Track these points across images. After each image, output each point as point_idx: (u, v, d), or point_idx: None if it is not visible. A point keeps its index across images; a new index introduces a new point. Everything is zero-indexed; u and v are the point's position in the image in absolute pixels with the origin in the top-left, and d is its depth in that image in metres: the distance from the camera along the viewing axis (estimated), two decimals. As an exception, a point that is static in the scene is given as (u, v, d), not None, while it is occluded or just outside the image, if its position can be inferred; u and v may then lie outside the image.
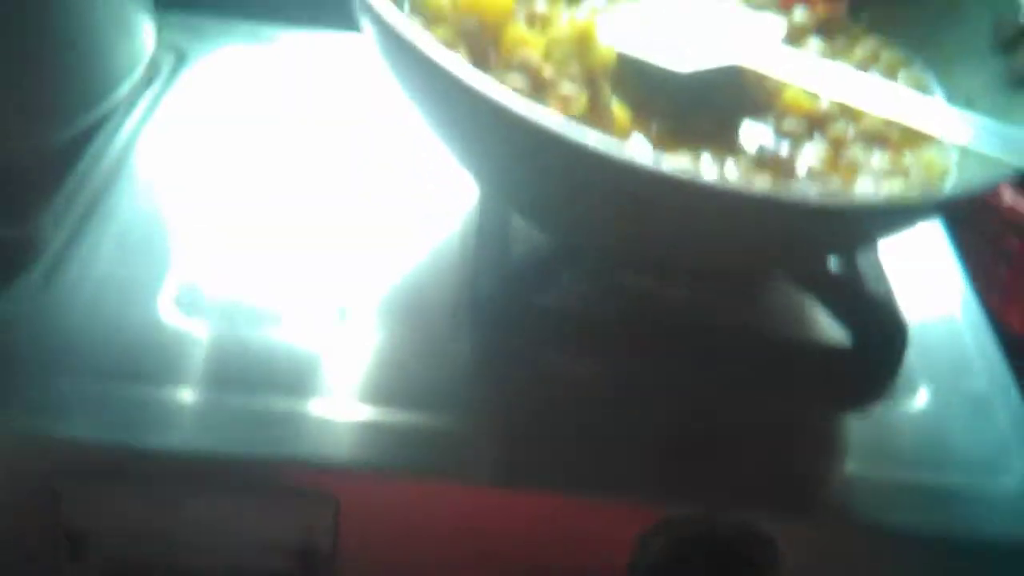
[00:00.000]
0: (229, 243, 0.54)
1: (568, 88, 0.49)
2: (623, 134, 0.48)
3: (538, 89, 0.49)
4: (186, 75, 0.65)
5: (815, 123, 0.51)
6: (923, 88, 0.57)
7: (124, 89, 0.56)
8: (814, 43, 0.58)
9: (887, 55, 0.59)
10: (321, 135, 0.62)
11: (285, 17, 0.71)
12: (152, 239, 0.52)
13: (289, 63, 0.68)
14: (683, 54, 0.51)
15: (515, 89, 0.48)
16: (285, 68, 0.68)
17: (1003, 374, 0.55)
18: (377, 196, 0.58)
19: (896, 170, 0.50)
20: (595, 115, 0.47)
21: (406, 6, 0.54)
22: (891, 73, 0.57)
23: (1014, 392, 0.54)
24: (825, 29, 0.59)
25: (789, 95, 0.51)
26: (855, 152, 0.51)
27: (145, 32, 0.60)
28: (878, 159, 0.51)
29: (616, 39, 0.51)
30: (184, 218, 0.54)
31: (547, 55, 0.50)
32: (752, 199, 0.34)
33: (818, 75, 0.47)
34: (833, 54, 0.58)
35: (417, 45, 0.38)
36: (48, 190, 0.51)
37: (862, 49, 0.59)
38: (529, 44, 0.50)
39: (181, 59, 0.66)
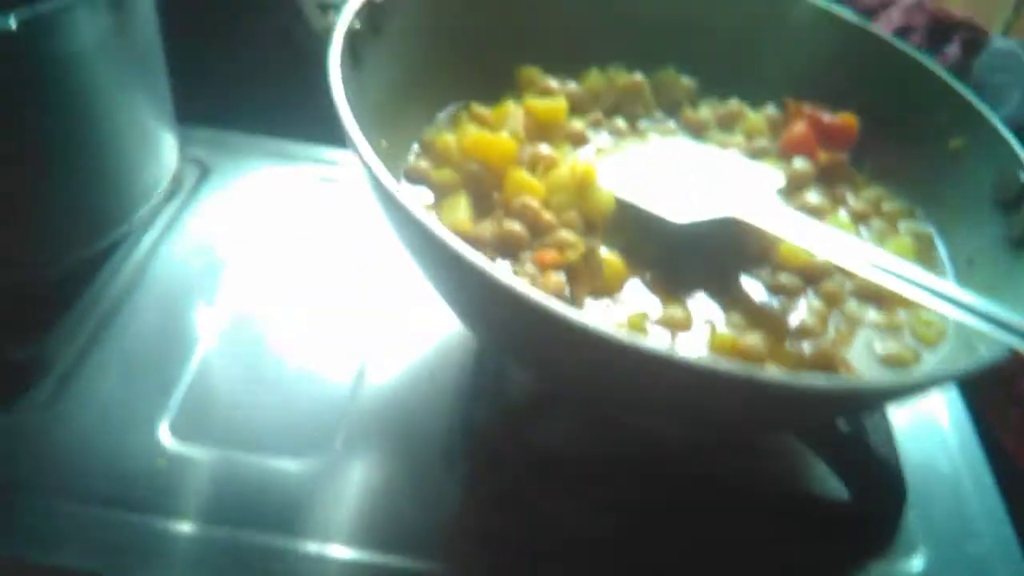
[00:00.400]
0: (232, 366, 0.55)
1: (565, 235, 0.50)
2: (618, 282, 0.49)
3: (537, 234, 0.51)
4: (208, 190, 0.68)
5: (810, 277, 0.52)
6: (924, 241, 0.57)
7: (144, 209, 0.59)
8: (815, 190, 0.58)
9: (889, 205, 0.59)
10: (336, 255, 0.64)
11: (308, 134, 0.74)
12: (159, 360, 0.54)
13: (310, 180, 0.70)
14: (680, 204, 0.52)
15: (513, 233, 0.50)
16: (306, 185, 0.70)
17: (1007, 537, 0.53)
18: (381, 321, 0.59)
19: (891, 328, 0.50)
20: (590, 262, 0.48)
21: (415, 146, 0.57)
22: (892, 224, 0.58)
23: (1018, 557, 0.53)
24: (826, 176, 0.60)
25: (785, 248, 0.52)
26: (850, 307, 0.51)
27: (168, 151, 0.62)
28: (873, 315, 0.51)
29: (615, 185, 0.53)
30: (191, 339, 0.56)
31: (547, 200, 0.52)
32: (732, 380, 0.34)
33: (811, 235, 0.48)
34: (833, 201, 0.59)
35: (411, 211, 0.39)
36: (60, 309, 0.53)
37: (863, 198, 0.59)
38: (529, 190, 0.51)
39: (205, 174, 0.69)
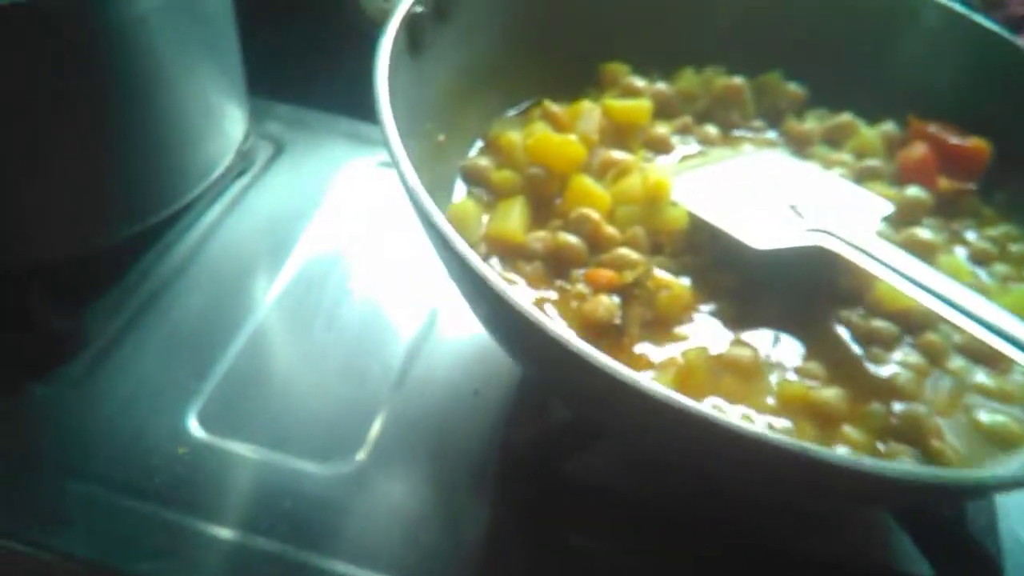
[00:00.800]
0: (273, 356, 0.53)
1: (625, 252, 0.45)
2: (680, 311, 0.44)
3: (595, 249, 0.46)
4: (280, 169, 0.66)
5: (909, 326, 0.44)
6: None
7: (205, 185, 0.57)
8: (929, 223, 0.51)
9: (1018, 247, 0.51)
10: (402, 249, 0.60)
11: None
12: (199, 344, 0.52)
13: (388, 166, 0.68)
14: (762, 228, 0.46)
15: (568, 247, 0.45)
16: (383, 171, 0.67)
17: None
18: (433, 327, 0.55)
19: (1002, 395, 0.42)
20: (644, 285, 0.43)
21: (478, 143, 0.53)
22: (1019, 269, 0.50)
23: None
24: (946, 208, 0.52)
25: (882, 288, 0.45)
26: (954, 366, 0.44)
27: (234, 125, 0.61)
28: (981, 378, 0.43)
29: (690, 200, 0.47)
30: (237, 324, 0.53)
31: (612, 212, 0.47)
32: (778, 453, 0.28)
33: (909, 276, 0.41)
34: (950, 238, 0.51)
35: (458, 248, 0.35)
36: (107, 284, 0.52)
37: (988, 236, 0.51)
38: (593, 200, 0.47)
39: (278, 151, 0.67)
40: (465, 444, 0.49)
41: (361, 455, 0.47)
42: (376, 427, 0.49)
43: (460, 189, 0.51)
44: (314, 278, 0.58)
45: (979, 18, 0.57)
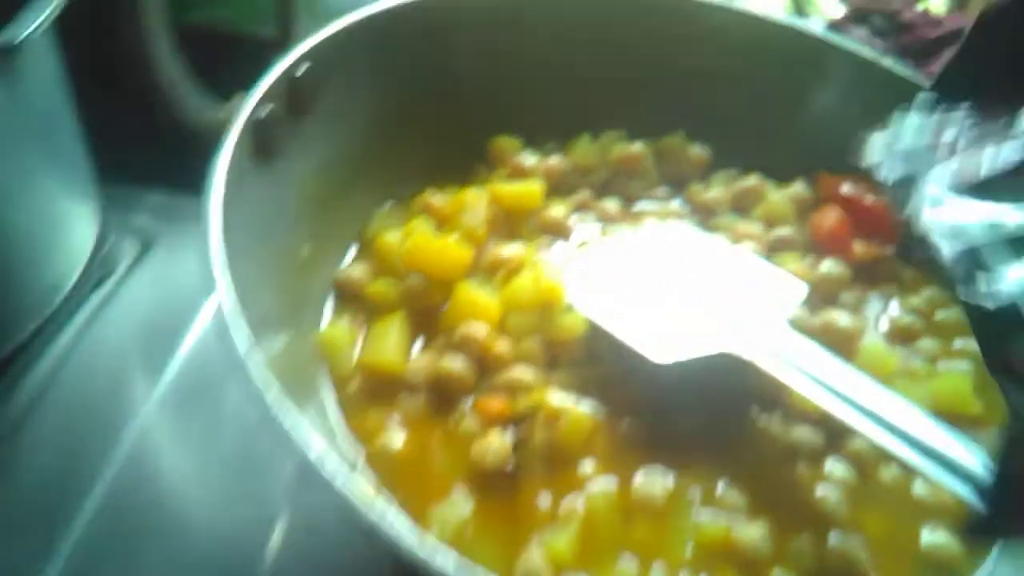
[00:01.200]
0: (133, 514, 0.45)
1: (519, 374, 0.40)
2: (581, 443, 0.38)
3: (484, 372, 0.40)
4: (147, 272, 0.59)
5: (834, 431, 0.40)
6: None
7: (46, 312, 0.50)
8: (847, 299, 0.47)
9: (945, 314, 0.47)
10: None
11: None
12: (45, 512, 0.44)
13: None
14: (663, 334, 0.41)
15: (451, 375, 0.40)
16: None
17: None
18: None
19: (944, 510, 0.38)
20: (536, 419, 0.38)
21: (355, 246, 0.47)
22: (947, 341, 0.46)
23: None
24: (865, 274, 0.49)
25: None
26: (887, 477, 0.39)
27: (83, 233, 0.54)
28: (920, 491, 0.39)
29: (585, 304, 0.42)
30: (92, 478, 0.45)
31: (503, 322, 0.42)
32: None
33: (821, 381, 0.37)
34: (870, 313, 0.47)
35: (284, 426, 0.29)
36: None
37: (910, 305, 0.48)
38: (479, 312, 0.41)
39: (145, 250, 0.60)
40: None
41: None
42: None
43: (333, 306, 0.45)
44: (187, 401, 0.51)
45: (888, 62, 0.54)
